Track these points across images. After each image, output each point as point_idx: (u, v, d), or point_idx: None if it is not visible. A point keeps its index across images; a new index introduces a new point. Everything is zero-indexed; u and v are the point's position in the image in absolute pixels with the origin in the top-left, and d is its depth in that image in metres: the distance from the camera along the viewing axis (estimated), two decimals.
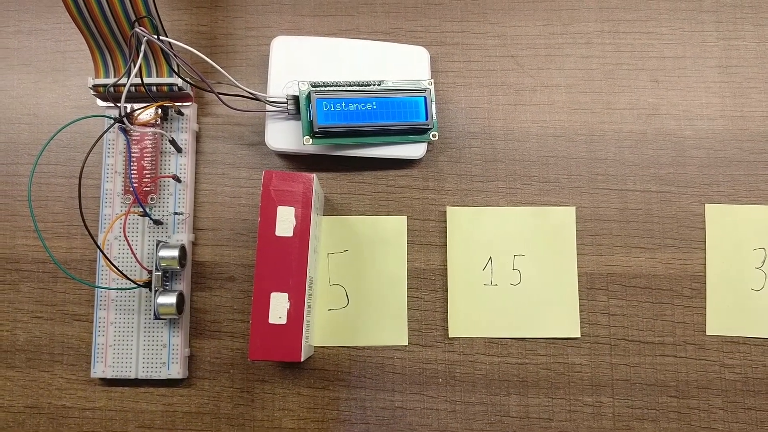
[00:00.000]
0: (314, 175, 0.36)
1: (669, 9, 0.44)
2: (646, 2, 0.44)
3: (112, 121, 0.40)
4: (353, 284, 0.42)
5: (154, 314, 0.39)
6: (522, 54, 0.44)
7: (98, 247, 0.38)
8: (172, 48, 0.38)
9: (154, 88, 0.41)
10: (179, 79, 0.40)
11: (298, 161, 0.43)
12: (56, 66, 0.44)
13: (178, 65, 0.39)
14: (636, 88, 0.43)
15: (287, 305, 0.35)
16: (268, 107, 0.41)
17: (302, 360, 0.35)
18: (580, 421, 0.40)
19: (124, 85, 0.39)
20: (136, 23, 0.37)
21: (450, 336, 0.41)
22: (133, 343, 0.41)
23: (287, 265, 0.35)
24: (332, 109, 0.40)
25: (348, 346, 0.41)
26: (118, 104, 0.39)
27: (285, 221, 0.35)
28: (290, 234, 0.36)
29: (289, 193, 0.36)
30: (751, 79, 0.43)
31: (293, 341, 0.35)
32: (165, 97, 0.41)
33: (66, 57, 0.45)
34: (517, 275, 0.42)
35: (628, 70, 0.43)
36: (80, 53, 0.44)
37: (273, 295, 0.35)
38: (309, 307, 0.37)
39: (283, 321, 0.35)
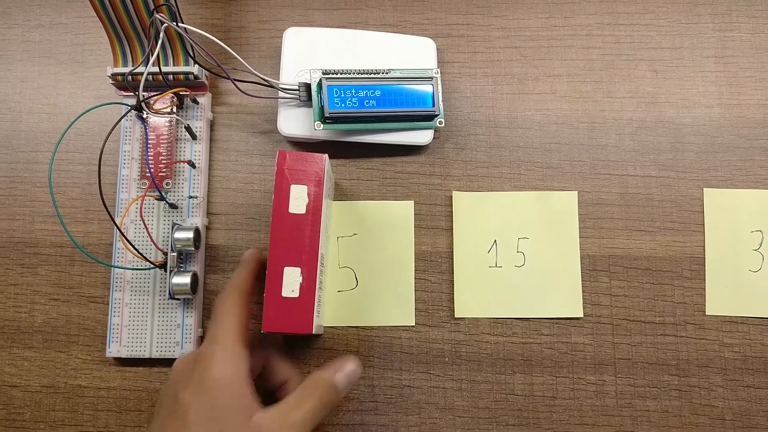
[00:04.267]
0: (326, 155, 0.38)
1: (666, 2, 0.45)
2: None
3: (129, 108, 0.41)
4: (362, 267, 0.43)
5: (169, 294, 0.41)
6: (525, 45, 0.45)
7: (116, 225, 0.39)
8: (187, 33, 0.40)
9: (170, 77, 0.42)
10: (196, 66, 0.42)
11: (308, 148, 0.44)
12: (75, 58, 0.46)
13: (193, 49, 0.41)
14: (635, 77, 0.45)
15: (300, 279, 0.36)
16: (281, 94, 0.42)
17: (313, 333, 0.36)
18: (583, 398, 0.41)
19: (142, 73, 0.40)
20: (155, 11, 0.39)
21: (456, 316, 0.42)
22: (148, 323, 0.42)
23: (300, 240, 0.37)
24: (342, 95, 0.41)
25: (357, 327, 0.43)
26: (136, 92, 0.41)
27: (298, 199, 0.37)
28: (303, 211, 0.37)
29: (302, 172, 0.37)
30: (747, 68, 0.45)
31: (305, 314, 0.36)
32: (181, 87, 0.43)
33: (85, 49, 0.46)
34: (521, 257, 0.43)
35: (628, 60, 0.45)
36: (99, 46, 0.46)
37: (286, 269, 0.36)
38: (320, 282, 0.38)
39: (296, 294, 0.36)
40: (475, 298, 0.42)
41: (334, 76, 0.41)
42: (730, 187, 0.43)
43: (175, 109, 0.43)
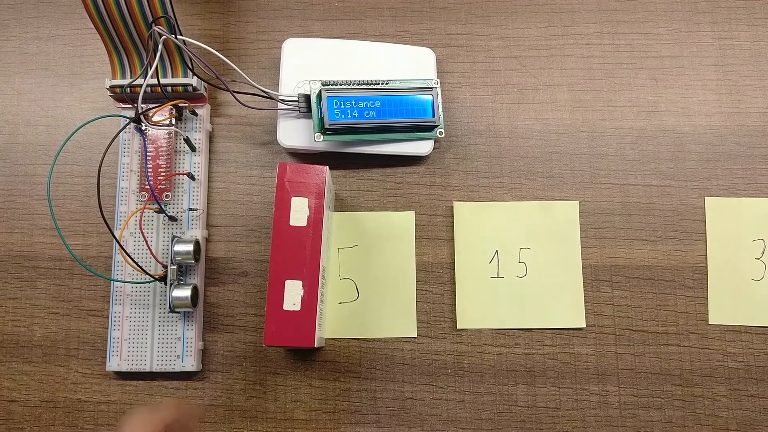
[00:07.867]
0: (327, 167, 0.38)
1: (666, 11, 0.45)
2: (644, 4, 0.46)
3: (128, 120, 0.41)
4: (363, 278, 0.43)
5: (169, 307, 0.40)
6: (525, 55, 0.45)
7: (115, 238, 0.39)
8: (186, 45, 0.40)
9: (169, 89, 0.42)
10: (194, 78, 0.42)
11: (308, 159, 0.44)
12: (73, 70, 0.46)
13: (192, 61, 0.41)
14: (635, 86, 0.45)
15: (301, 292, 0.36)
16: (280, 105, 0.42)
17: (315, 346, 0.36)
18: (586, 409, 0.41)
19: (141, 85, 0.40)
20: (153, 23, 0.39)
21: (458, 327, 0.42)
22: (148, 336, 0.42)
23: (301, 253, 0.36)
24: (342, 106, 0.41)
25: (358, 339, 0.42)
26: (135, 104, 0.41)
27: (299, 211, 0.37)
28: (304, 224, 0.37)
29: (303, 184, 0.37)
30: (747, 77, 0.45)
31: (307, 327, 0.36)
32: (180, 98, 0.43)
33: (83, 61, 0.46)
34: (523, 268, 0.43)
35: (628, 69, 0.45)
36: (96, 57, 0.46)
37: (287, 282, 0.36)
38: (322, 294, 0.38)
39: (297, 308, 0.36)
40: (477, 308, 0.42)
41: (334, 87, 0.41)
42: (732, 195, 0.43)
43: (174, 121, 0.43)
